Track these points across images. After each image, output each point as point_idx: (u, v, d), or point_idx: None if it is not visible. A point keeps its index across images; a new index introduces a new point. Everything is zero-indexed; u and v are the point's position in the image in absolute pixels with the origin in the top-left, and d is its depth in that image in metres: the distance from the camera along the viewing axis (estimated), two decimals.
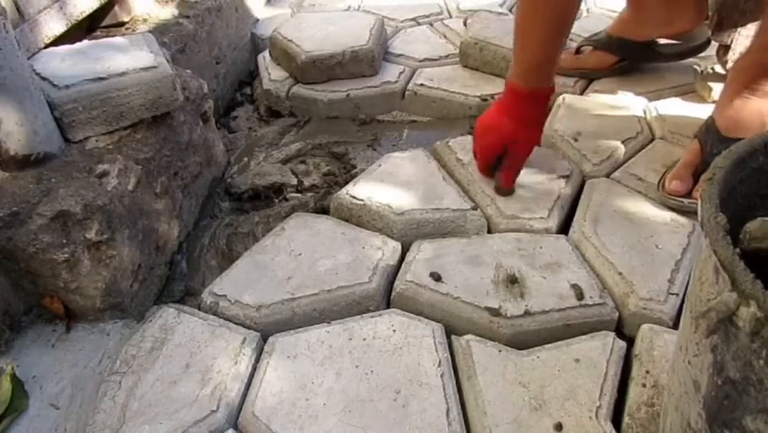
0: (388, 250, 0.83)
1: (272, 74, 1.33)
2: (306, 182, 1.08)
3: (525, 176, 0.93)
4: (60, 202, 0.70)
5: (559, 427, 0.61)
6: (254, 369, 0.70)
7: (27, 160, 0.75)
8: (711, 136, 0.86)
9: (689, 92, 1.14)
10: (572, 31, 1.32)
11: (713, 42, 1.09)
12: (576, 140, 1.01)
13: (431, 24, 1.50)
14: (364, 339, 0.71)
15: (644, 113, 1.08)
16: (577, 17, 1.41)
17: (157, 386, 0.68)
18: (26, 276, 0.72)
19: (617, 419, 0.63)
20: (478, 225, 0.87)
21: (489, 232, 0.88)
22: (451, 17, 1.54)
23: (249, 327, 0.75)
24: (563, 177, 0.94)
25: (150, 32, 1.01)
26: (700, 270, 0.41)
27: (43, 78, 0.80)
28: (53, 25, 0.93)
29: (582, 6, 1.49)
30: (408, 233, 0.87)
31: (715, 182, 0.41)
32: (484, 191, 0.92)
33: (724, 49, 1.04)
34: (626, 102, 1.11)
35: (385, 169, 0.98)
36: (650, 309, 0.72)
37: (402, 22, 1.51)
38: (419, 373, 0.67)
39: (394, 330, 0.72)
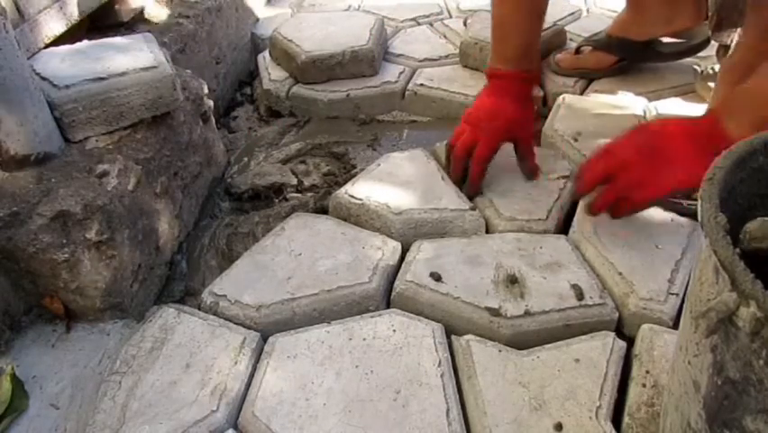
0: (388, 250, 0.83)
1: (272, 74, 1.33)
2: (306, 182, 1.08)
3: (525, 176, 0.94)
4: (60, 202, 0.70)
5: (559, 427, 0.61)
6: (254, 369, 0.70)
7: (27, 160, 0.75)
8: None
9: (689, 92, 1.14)
10: (572, 31, 1.34)
11: (713, 42, 1.09)
12: (576, 140, 1.01)
13: (431, 24, 1.50)
14: (364, 339, 0.71)
15: (644, 113, 1.08)
16: (577, 17, 1.42)
17: (157, 386, 0.68)
18: (26, 276, 0.72)
19: (617, 419, 0.63)
20: (476, 226, 0.87)
21: (488, 232, 0.88)
22: (451, 17, 1.54)
23: (249, 327, 0.75)
24: (563, 177, 0.94)
25: (150, 32, 1.01)
26: (700, 270, 0.41)
27: (43, 78, 0.80)
28: (53, 25, 0.93)
29: (582, 6, 1.49)
30: (407, 232, 0.87)
31: (715, 182, 0.41)
32: (483, 192, 0.92)
33: (724, 49, 1.04)
34: (626, 102, 1.11)
35: (384, 168, 0.98)
36: (650, 309, 0.72)
37: (402, 22, 1.51)
38: (419, 373, 0.67)
39: (394, 330, 0.72)
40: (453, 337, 0.73)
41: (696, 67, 1.18)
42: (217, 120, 1.22)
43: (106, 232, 0.73)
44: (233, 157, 1.17)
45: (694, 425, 0.43)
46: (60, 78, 0.80)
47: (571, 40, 1.32)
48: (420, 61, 1.33)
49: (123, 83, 0.81)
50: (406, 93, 1.25)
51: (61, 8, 0.95)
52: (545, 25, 1.27)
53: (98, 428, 0.64)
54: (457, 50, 1.32)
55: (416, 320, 0.73)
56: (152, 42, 0.92)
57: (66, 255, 0.70)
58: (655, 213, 0.87)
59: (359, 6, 1.61)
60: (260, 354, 0.72)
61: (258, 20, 1.62)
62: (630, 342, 0.71)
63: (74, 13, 0.98)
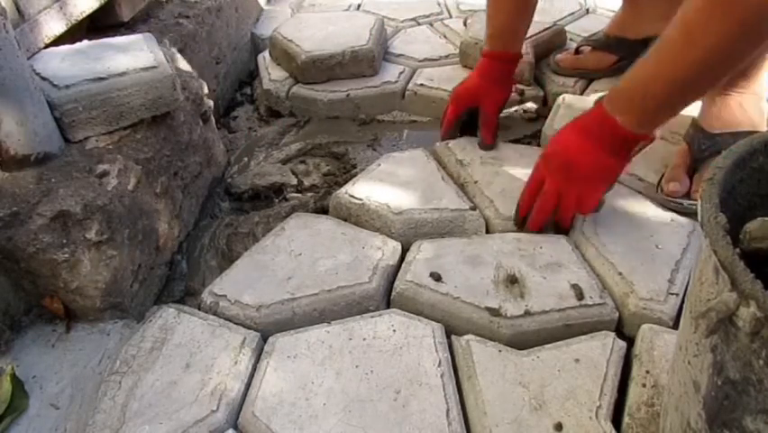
0: (388, 250, 0.83)
1: (272, 74, 1.33)
2: (306, 182, 1.08)
3: (525, 176, 0.93)
4: (60, 202, 0.70)
5: (559, 427, 0.61)
6: (254, 369, 0.70)
7: (27, 160, 0.75)
8: (697, 135, 0.89)
9: None
10: (572, 30, 1.34)
11: None
12: None
13: (431, 24, 1.50)
14: (364, 339, 0.71)
15: None
16: (577, 17, 1.42)
17: (157, 386, 0.68)
18: (26, 276, 0.72)
19: (617, 419, 0.63)
20: (476, 226, 0.87)
21: (488, 232, 0.88)
22: (451, 17, 1.54)
23: (249, 327, 0.75)
24: None
25: (150, 31, 1.01)
26: (700, 270, 0.41)
27: (43, 78, 0.80)
28: (53, 25, 0.93)
29: (582, 6, 1.49)
30: (407, 232, 0.87)
31: (715, 182, 0.41)
32: (483, 192, 0.92)
33: None
34: None
35: (384, 168, 0.98)
36: (650, 309, 0.72)
37: (402, 22, 1.51)
38: (419, 373, 0.67)
39: (394, 330, 0.72)
40: (453, 337, 0.73)
41: None
42: (217, 120, 1.22)
43: (106, 232, 0.73)
44: (233, 157, 1.17)
45: (694, 425, 0.43)
46: (60, 78, 0.80)
47: (571, 40, 1.32)
48: (420, 61, 1.33)
49: (123, 83, 0.81)
50: (406, 93, 1.25)
51: (61, 8, 0.95)
52: (545, 25, 1.28)
53: (98, 428, 0.64)
54: (457, 50, 1.32)
55: (416, 320, 0.73)
56: (152, 42, 0.92)
57: (66, 255, 0.70)
58: (655, 213, 0.87)
59: (359, 6, 1.61)
60: (260, 355, 0.72)
61: (258, 20, 1.63)
62: (630, 342, 0.71)
63: (74, 13, 0.98)
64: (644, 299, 0.73)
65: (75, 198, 0.71)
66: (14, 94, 0.71)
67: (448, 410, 0.63)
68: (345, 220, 0.91)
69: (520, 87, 1.21)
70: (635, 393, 0.64)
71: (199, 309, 0.78)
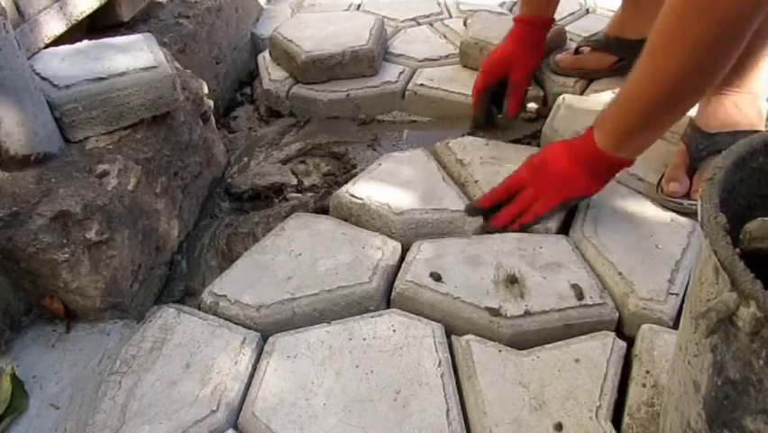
0: (388, 250, 0.83)
1: (272, 74, 1.33)
2: (306, 182, 1.08)
3: None
4: (60, 202, 0.70)
5: (559, 427, 0.61)
6: (254, 369, 0.70)
7: (27, 160, 0.75)
8: (695, 135, 0.89)
9: None
10: (572, 30, 1.34)
11: None
12: None
13: (431, 24, 1.50)
14: (364, 339, 0.71)
15: None
16: (577, 17, 1.42)
17: (157, 386, 0.68)
18: (26, 276, 0.72)
19: (617, 419, 0.63)
20: (476, 226, 0.87)
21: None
22: (451, 17, 1.54)
23: (249, 327, 0.75)
24: None
25: (150, 31, 1.01)
26: (700, 270, 0.41)
27: (43, 78, 0.80)
28: (53, 25, 0.93)
29: (582, 6, 1.49)
30: (407, 232, 0.87)
31: (715, 182, 0.41)
32: (483, 192, 0.92)
33: None
34: None
35: (385, 168, 0.98)
36: (650, 309, 0.72)
37: (402, 22, 1.51)
38: (419, 373, 0.67)
39: (394, 330, 0.72)
40: (453, 337, 0.73)
41: None
42: (217, 120, 1.22)
43: (106, 232, 0.73)
44: (233, 157, 1.17)
45: (694, 425, 0.43)
46: (60, 78, 0.80)
47: (571, 40, 1.32)
48: (420, 61, 1.33)
49: (123, 83, 0.81)
50: (407, 93, 1.25)
51: (61, 8, 0.95)
52: None
53: (98, 428, 0.64)
54: (457, 50, 1.32)
55: (416, 320, 0.73)
56: (152, 42, 0.92)
57: (66, 255, 0.70)
58: (655, 213, 0.87)
59: (359, 6, 1.61)
60: (260, 354, 0.72)
61: (258, 20, 1.62)
62: (630, 342, 0.71)
63: (74, 13, 0.98)
64: (644, 299, 0.73)
65: (75, 198, 0.71)
66: (14, 94, 0.71)
67: (448, 410, 0.63)
68: (345, 220, 0.91)
69: None
70: (635, 393, 0.64)
71: (199, 309, 0.78)
